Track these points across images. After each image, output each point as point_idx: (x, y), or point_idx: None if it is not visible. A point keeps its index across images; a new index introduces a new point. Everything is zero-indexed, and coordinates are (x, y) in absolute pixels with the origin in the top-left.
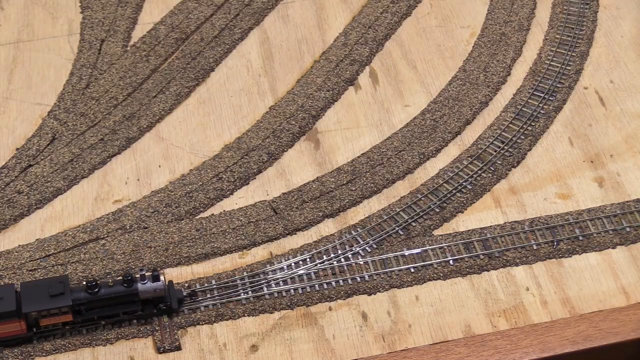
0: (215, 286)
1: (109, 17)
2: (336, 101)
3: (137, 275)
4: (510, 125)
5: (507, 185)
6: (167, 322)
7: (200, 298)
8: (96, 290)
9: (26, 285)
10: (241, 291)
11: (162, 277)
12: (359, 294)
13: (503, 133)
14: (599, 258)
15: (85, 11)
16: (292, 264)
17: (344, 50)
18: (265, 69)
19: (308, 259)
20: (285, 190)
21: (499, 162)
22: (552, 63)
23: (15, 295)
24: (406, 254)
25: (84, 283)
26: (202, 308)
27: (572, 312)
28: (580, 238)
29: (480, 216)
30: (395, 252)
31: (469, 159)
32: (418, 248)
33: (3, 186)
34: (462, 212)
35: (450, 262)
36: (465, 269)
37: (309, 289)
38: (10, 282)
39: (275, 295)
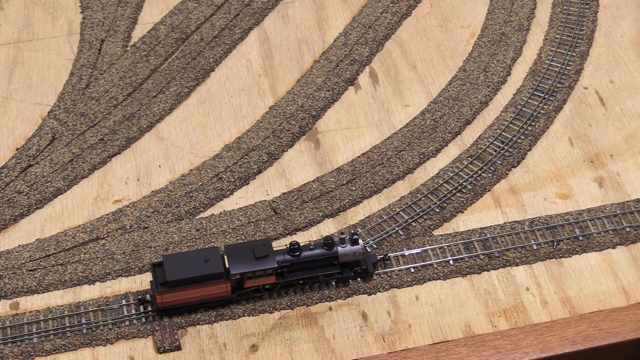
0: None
1: (109, 17)
2: (336, 101)
3: (337, 239)
4: (510, 125)
5: (507, 185)
6: (167, 322)
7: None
8: (298, 253)
9: (230, 248)
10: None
11: (360, 241)
12: (359, 294)
13: (503, 133)
14: (599, 258)
15: (85, 11)
16: None
17: (344, 50)
18: (265, 69)
19: None
20: (285, 190)
21: (499, 162)
22: (552, 63)
23: (222, 258)
24: (406, 254)
25: (287, 246)
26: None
27: (572, 312)
28: (580, 238)
29: (480, 216)
30: (395, 252)
31: (469, 159)
32: (418, 248)
33: (3, 186)
34: (462, 212)
35: (450, 262)
36: (465, 269)
37: (309, 289)
38: (10, 282)
39: (275, 295)
